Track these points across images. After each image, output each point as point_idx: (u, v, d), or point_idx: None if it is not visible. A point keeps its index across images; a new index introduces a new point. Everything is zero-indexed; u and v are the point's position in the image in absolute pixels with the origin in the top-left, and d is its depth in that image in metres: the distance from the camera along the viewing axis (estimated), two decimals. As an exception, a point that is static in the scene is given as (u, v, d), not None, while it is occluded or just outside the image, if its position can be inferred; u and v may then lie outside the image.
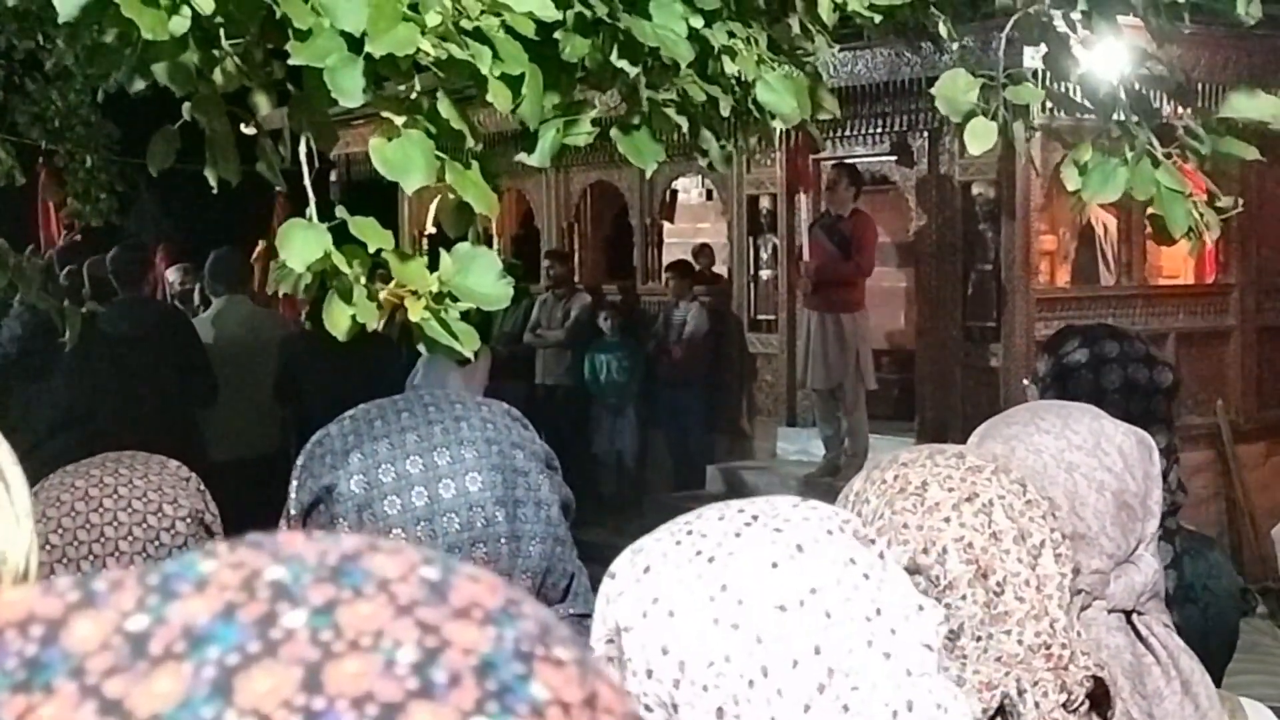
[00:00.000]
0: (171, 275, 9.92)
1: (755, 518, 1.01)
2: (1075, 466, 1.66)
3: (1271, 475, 9.47)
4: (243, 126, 2.57)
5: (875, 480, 1.40)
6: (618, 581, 1.01)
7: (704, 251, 11.23)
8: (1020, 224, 8.84)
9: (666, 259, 11.19)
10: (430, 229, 11.47)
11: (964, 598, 1.33)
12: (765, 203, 10.29)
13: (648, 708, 0.97)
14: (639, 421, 10.49)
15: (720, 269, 11.16)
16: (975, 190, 9.01)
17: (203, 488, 1.77)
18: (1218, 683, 2.34)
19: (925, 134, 9.04)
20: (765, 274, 10.41)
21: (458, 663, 0.38)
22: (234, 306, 7.41)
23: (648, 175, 2.63)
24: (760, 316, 10.47)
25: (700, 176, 11.09)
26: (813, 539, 0.99)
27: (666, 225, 11.64)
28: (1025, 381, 2.49)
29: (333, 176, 11.46)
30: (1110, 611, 1.65)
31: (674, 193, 11.66)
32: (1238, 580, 2.63)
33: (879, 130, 9.28)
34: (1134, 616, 1.67)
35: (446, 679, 0.37)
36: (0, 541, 0.72)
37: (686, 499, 7.34)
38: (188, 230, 10.81)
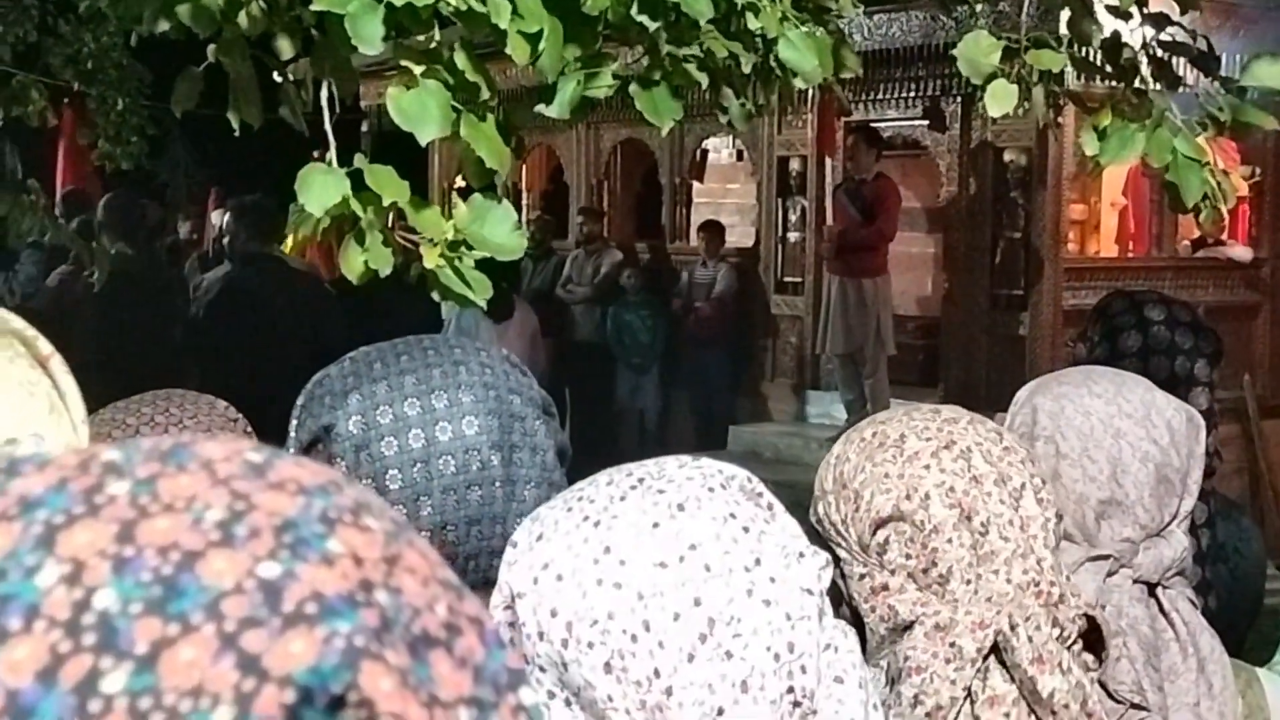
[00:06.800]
0: (215, 218, 9.89)
1: (641, 480, 1.05)
2: (1122, 434, 1.68)
3: (1296, 451, 9.43)
4: (275, 75, 2.58)
5: (854, 439, 1.44)
6: (516, 550, 1.05)
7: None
8: (1051, 192, 8.79)
9: (695, 219, 11.16)
10: (460, 181, 11.46)
11: (950, 541, 1.35)
12: (795, 164, 10.25)
13: (541, 668, 1.01)
14: (662, 380, 10.49)
15: (748, 230, 11.13)
16: (1007, 157, 8.95)
17: (249, 430, 1.80)
18: (1242, 641, 2.37)
19: (958, 99, 8.97)
20: (793, 236, 10.38)
21: (260, 521, 0.42)
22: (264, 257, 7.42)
23: (664, 133, 2.64)
24: (787, 279, 10.44)
25: (731, 136, 11.04)
26: (694, 498, 1.02)
27: (696, 185, 11.61)
28: (1072, 342, 2.56)
29: (364, 127, 11.46)
30: (1135, 582, 1.66)
31: (704, 152, 11.62)
32: (1264, 548, 2.69)
33: (912, 94, 9.23)
34: (1159, 590, 1.67)
35: (247, 533, 0.41)
36: (59, 447, 0.75)
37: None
38: (219, 177, 10.84)
